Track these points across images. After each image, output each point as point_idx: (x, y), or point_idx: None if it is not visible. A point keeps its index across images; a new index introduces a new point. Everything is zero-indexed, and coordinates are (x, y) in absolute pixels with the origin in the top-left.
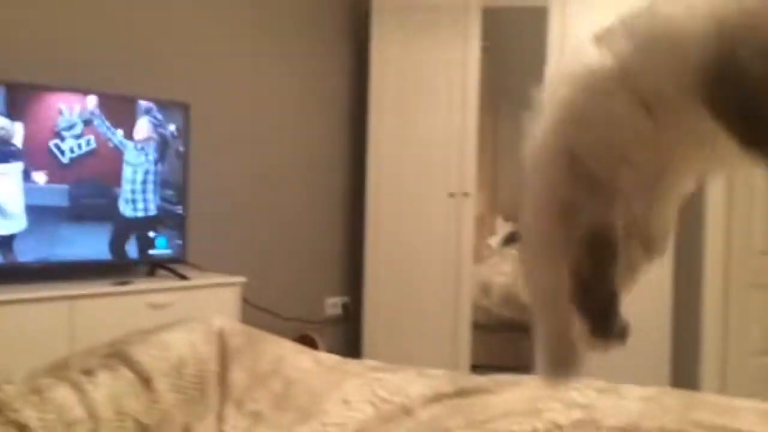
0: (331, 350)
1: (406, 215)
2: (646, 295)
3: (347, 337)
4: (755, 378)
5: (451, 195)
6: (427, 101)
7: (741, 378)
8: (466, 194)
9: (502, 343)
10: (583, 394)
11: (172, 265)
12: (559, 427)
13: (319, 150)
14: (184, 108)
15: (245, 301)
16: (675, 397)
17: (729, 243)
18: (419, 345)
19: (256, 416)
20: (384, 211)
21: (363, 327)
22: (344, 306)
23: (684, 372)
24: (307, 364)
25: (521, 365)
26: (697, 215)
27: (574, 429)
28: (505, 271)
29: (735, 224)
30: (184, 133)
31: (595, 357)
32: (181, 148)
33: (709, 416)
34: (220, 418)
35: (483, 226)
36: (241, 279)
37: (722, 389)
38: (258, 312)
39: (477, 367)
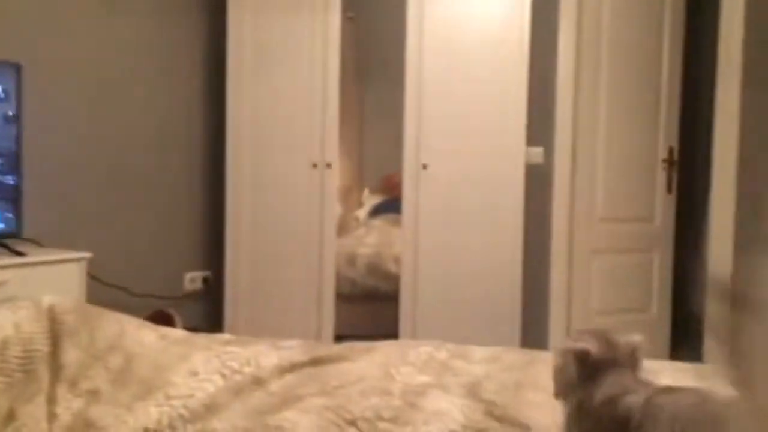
0: (190, 326)
1: (268, 186)
2: (499, 262)
3: (209, 313)
4: None
5: (314, 166)
6: (287, 70)
7: None
8: (328, 165)
9: (367, 313)
10: (434, 357)
11: (5, 241)
12: (407, 393)
13: (173, 117)
14: (15, 68)
15: (93, 277)
16: (517, 356)
17: (573, 211)
18: (283, 318)
19: (93, 394)
20: (245, 182)
21: (224, 301)
22: (205, 280)
23: (533, 331)
24: (151, 339)
25: (386, 334)
26: (544, 186)
27: (424, 389)
28: (370, 242)
29: (578, 194)
30: (16, 95)
31: (452, 321)
32: (10, 112)
33: (544, 370)
34: (51, 400)
35: (350, 198)
36: (86, 254)
37: None
38: (108, 289)
39: (341, 338)
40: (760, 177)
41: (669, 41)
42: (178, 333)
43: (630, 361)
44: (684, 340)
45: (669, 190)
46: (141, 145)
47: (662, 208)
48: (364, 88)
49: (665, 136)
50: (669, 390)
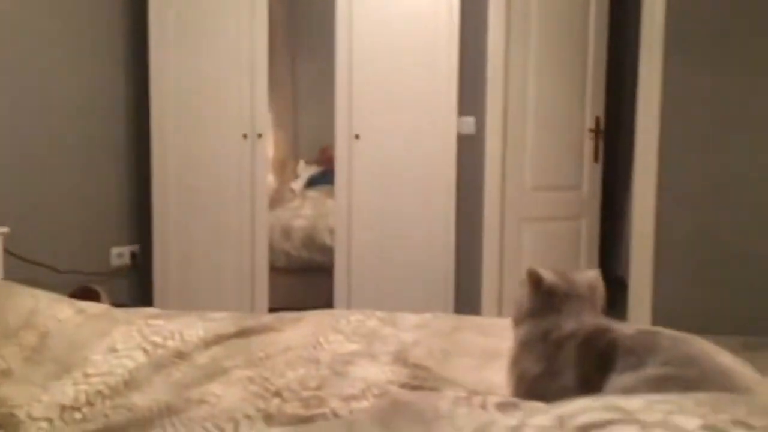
0: (118, 303)
1: (197, 157)
2: (432, 231)
3: (138, 289)
4: None
5: (244, 136)
6: (213, 39)
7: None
8: (259, 135)
9: (302, 286)
10: (364, 326)
11: None
12: (335, 362)
13: (95, 86)
14: None
15: (11, 254)
16: (446, 321)
17: (504, 180)
18: (215, 292)
19: (4, 374)
20: (171, 153)
21: (154, 276)
22: (133, 255)
23: (467, 299)
24: (67, 315)
25: (321, 306)
26: (476, 156)
27: (352, 357)
28: (305, 214)
29: (509, 163)
30: None
31: (387, 292)
32: None
33: (471, 336)
34: None
35: (285, 170)
36: (2, 229)
37: (499, 312)
38: (29, 266)
39: (276, 311)
40: None
41: (595, 14)
42: (96, 307)
43: (589, 295)
44: (609, 303)
45: (596, 158)
46: (61, 114)
47: (589, 176)
48: (296, 59)
49: (592, 106)
50: (672, 336)
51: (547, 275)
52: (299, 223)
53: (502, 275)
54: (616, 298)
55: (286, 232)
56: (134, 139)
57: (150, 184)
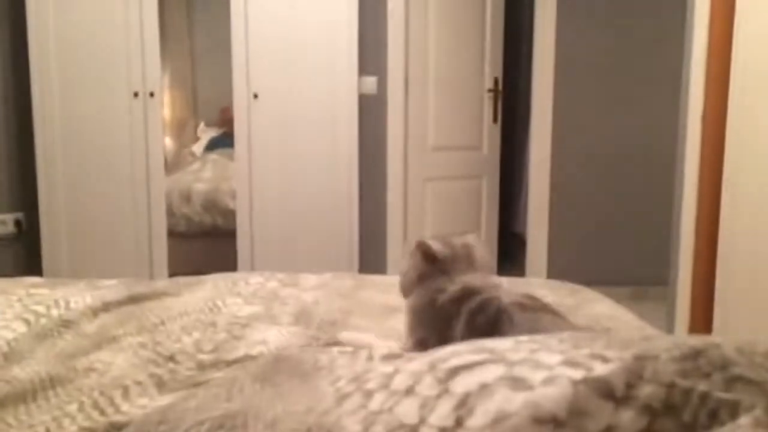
0: (1, 274)
1: (85, 117)
2: (336, 192)
3: (26, 258)
4: None
5: (136, 95)
6: None
7: None
8: (151, 94)
9: (205, 250)
10: (264, 288)
11: None
12: (233, 325)
13: None
14: None
15: None
16: (346, 281)
17: (406, 141)
18: (111, 260)
19: None
20: (56, 113)
21: (42, 245)
22: (17, 223)
23: (372, 259)
24: None
25: (224, 270)
26: (378, 116)
27: (250, 320)
28: (206, 177)
29: (411, 123)
30: None
31: (291, 254)
32: None
33: (372, 294)
34: None
35: (184, 132)
36: None
37: None
38: None
39: (177, 276)
40: None
41: None
42: None
43: (466, 257)
44: (508, 258)
45: (495, 119)
46: None
47: (489, 136)
48: (192, 17)
49: (490, 67)
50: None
51: (435, 244)
52: (200, 186)
53: (406, 234)
54: (515, 254)
55: (186, 197)
56: (13, 97)
57: (33, 146)
